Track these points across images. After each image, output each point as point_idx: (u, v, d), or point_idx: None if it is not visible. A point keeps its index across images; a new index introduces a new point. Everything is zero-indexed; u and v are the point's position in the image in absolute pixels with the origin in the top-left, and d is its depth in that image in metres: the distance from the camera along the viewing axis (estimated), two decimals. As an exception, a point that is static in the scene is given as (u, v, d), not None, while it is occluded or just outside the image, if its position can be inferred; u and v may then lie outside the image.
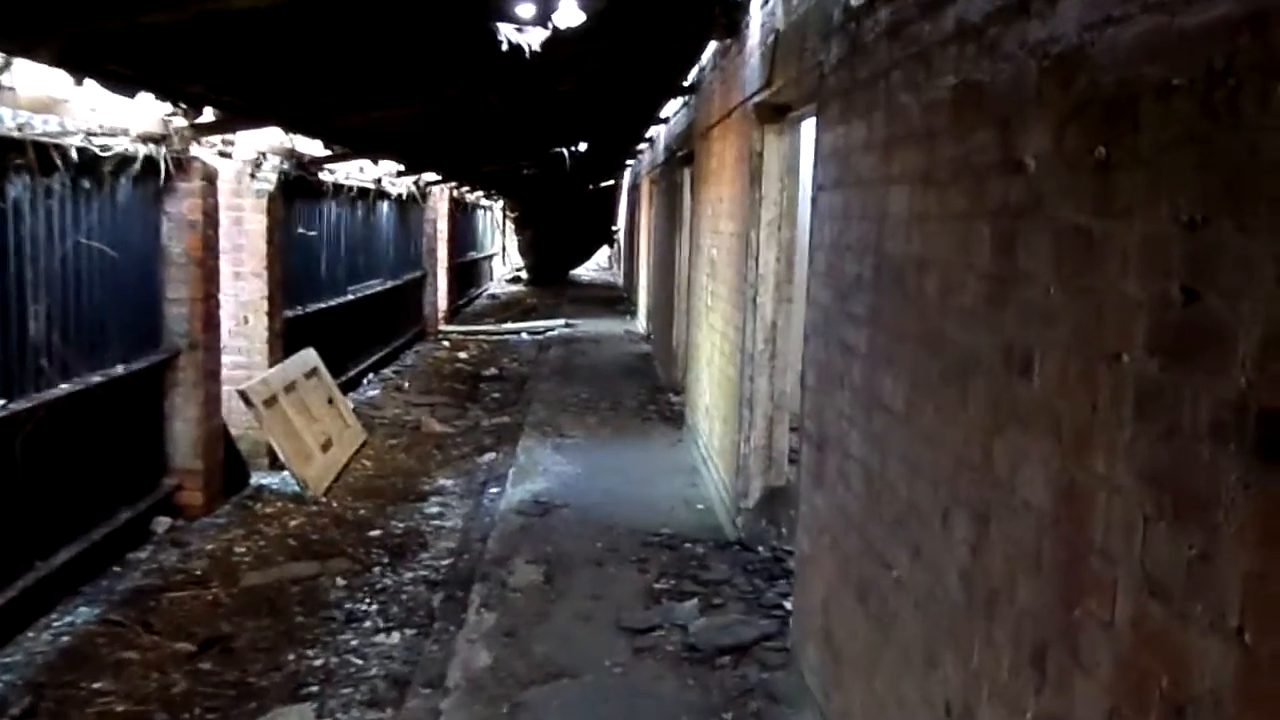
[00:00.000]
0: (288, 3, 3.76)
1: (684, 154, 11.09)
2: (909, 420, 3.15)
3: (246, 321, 8.52)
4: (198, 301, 7.08)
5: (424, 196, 16.68)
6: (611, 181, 27.00)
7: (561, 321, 19.31)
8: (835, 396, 4.02)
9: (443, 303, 18.88)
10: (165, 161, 6.63)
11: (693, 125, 10.06)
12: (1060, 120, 2.19)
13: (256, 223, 8.45)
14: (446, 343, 17.15)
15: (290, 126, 8.08)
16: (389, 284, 14.42)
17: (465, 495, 8.03)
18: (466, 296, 23.27)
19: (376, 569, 6.35)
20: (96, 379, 6.06)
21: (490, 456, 9.13)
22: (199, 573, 6.16)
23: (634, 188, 23.28)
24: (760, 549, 6.35)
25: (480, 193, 23.89)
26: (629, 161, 22.73)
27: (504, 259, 33.12)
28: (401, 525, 7.26)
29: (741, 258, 6.69)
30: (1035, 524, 2.25)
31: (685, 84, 10.25)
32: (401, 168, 13.64)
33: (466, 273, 23.27)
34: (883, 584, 3.34)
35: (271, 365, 8.61)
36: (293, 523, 7.21)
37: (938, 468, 2.88)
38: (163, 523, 6.85)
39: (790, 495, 6.55)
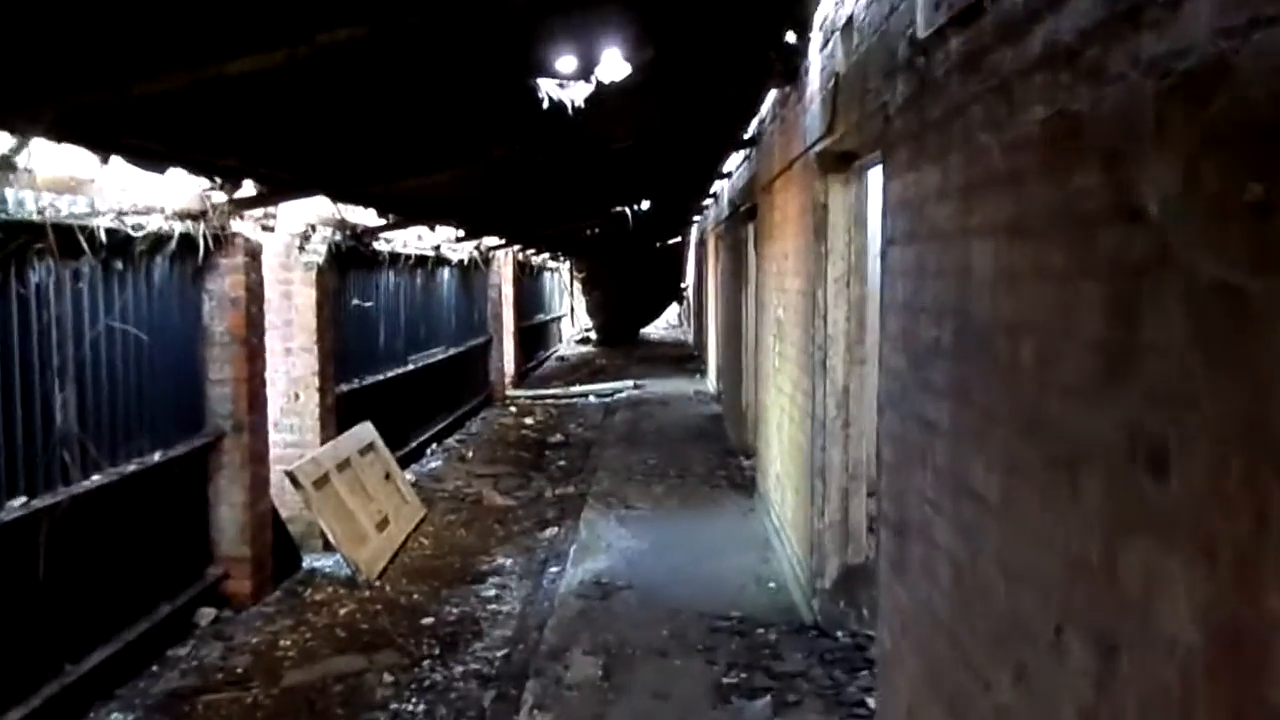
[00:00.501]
0: (295, 68, 3.45)
1: (746, 209, 10.70)
2: (1005, 512, 2.66)
3: (297, 398, 8.27)
4: (242, 382, 6.81)
5: (487, 261, 16.51)
6: (679, 238, 26.73)
7: (630, 383, 18.94)
8: (915, 477, 3.53)
9: (509, 367, 18.64)
10: (204, 238, 6.41)
11: (754, 179, 9.67)
12: (1193, 152, 1.73)
13: (306, 296, 8.22)
14: (513, 408, 16.86)
15: (333, 195, 7.86)
16: (452, 351, 14.19)
17: (524, 575, 7.61)
18: (534, 360, 23.05)
19: (426, 662, 5.94)
20: (131, 468, 5.79)
21: (552, 531, 8.71)
22: (240, 670, 5.81)
23: (701, 243, 22.96)
24: (839, 634, 5.81)
25: (545, 255, 23.77)
26: (695, 218, 22.44)
27: (572, 320, 32.99)
28: (456, 611, 6.86)
29: (809, 317, 6.24)
30: (1181, 665, 1.76)
31: (745, 137, 9.88)
32: (460, 233, 13.45)
33: (533, 336, 23.08)
34: (980, 706, 2.83)
35: (324, 442, 8.33)
36: (342, 610, 6.84)
37: (1044, 573, 2.38)
38: (207, 614, 6.54)
39: (870, 574, 6.02)
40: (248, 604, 6.83)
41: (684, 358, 24.54)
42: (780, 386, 7.62)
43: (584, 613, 6.40)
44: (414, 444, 11.91)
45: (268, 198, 6.80)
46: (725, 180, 13.95)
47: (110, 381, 5.67)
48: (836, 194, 5.86)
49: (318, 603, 6.99)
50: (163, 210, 6.02)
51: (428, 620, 6.67)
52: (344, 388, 9.45)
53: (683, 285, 31.61)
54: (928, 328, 3.38)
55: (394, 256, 11.17)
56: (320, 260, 8.33)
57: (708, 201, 18.06)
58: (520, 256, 19.95)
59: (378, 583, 7.42)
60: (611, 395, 18.04)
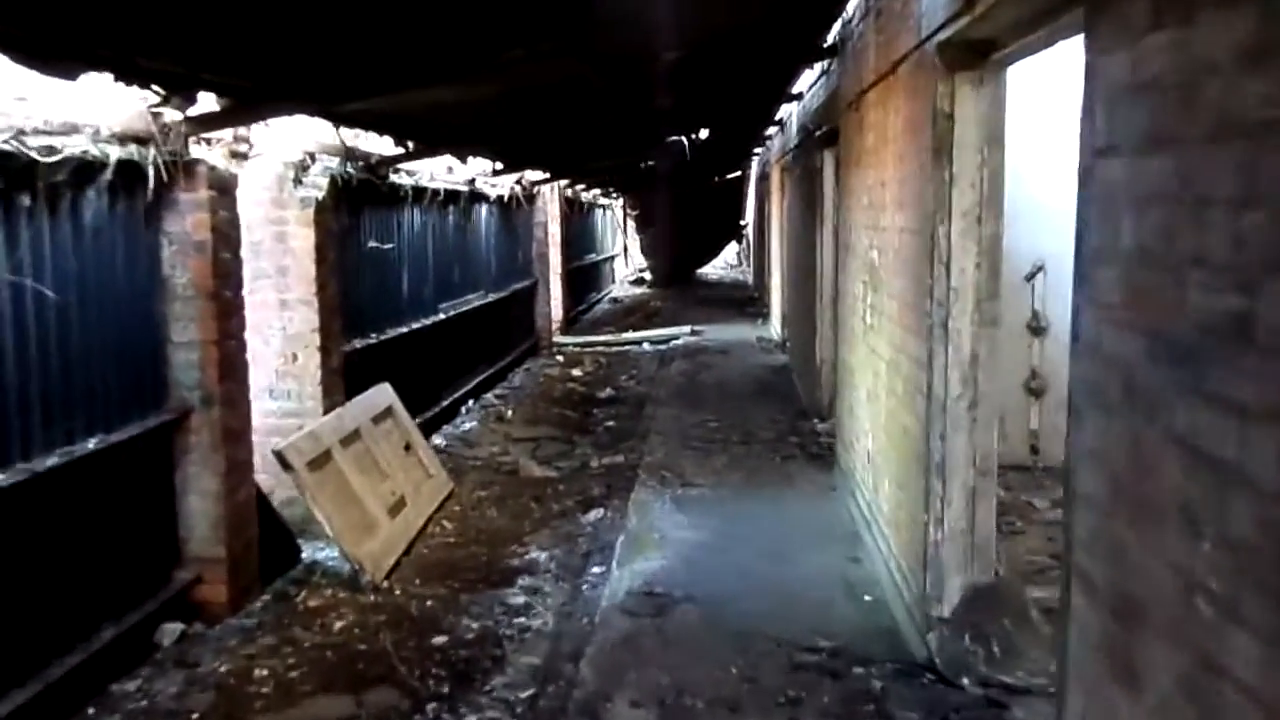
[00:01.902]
0: None
1: (823, 133, 9.18)
2: None
3: (295, 359, 7.00)
4: (211, 344, 5.52)
5: (530, 198, 15.12)
6: (738, 172, 25.08)
7: (686, 328, 17.53)
8: (1171, 542, 2.12)
9: (557, 312, 17.32)
10: (156, 167, 5.09)
11: (835, 96, 8.14)
12: None
13: (303, 239, 6.92)
14: (560, 357, 15.57)
15: (316, 111, 6.47)
16: (491, 297, 12.87)
17: (562, 574, 6.32)
18: (585, 303, 21.70)
19: (431, 706, 4.67)
20: (51, 462, 4.54)
21: (596, 514, 7.39)
22: (195, 717, 4.59)
23: (763, 178, 21.35)
24: (964, 681, 4.43)
25: (596, 190, 22.30)
26: (756, 150, 20.82)
27: (626, 260, 31.54)
28: (476, 625, 5.58)
29: (921, 263, 4.79)
30: None
31: (824, 44, 8.33)
32: (497, 165, 12.06)
33: (584, 278, 21.71)
34: None
35: (328, 410, 7.08)
36: (339, 623, 5.60)
37: None
38: (171, 631, 5.32)
39: (1003, 598, 4.64)
40: (224, 615, 5.61)
41: (744, 300, 23.04)
42: (873, 347, 6.19)
43: (631, 638, 5.08)
44: (446, 403, 10.65)
45: (232, 115, 5.45)
46: (794, 104, 12.39)
47: (20, 356, 4.40)
48: (966, 99, 4.37)
49: (311, 611, 5.76)
50: (94, 131, 4.70)
51: (439, 639, 5.40)
52: (356, 344, 8.17)
53: (742, 223, 29.95)
54: (1211, 295, 1.95)
55: (418, 191, 9.82)
56: (321, 195, 7.01)
57: (772, 130, 16.47)
58: (568, 193, 18.52)
59: (385, 583, 6.18)
60: (667, 343, 16.67)
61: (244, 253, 6.71)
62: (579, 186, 19.48)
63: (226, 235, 5.65)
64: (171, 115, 5.13)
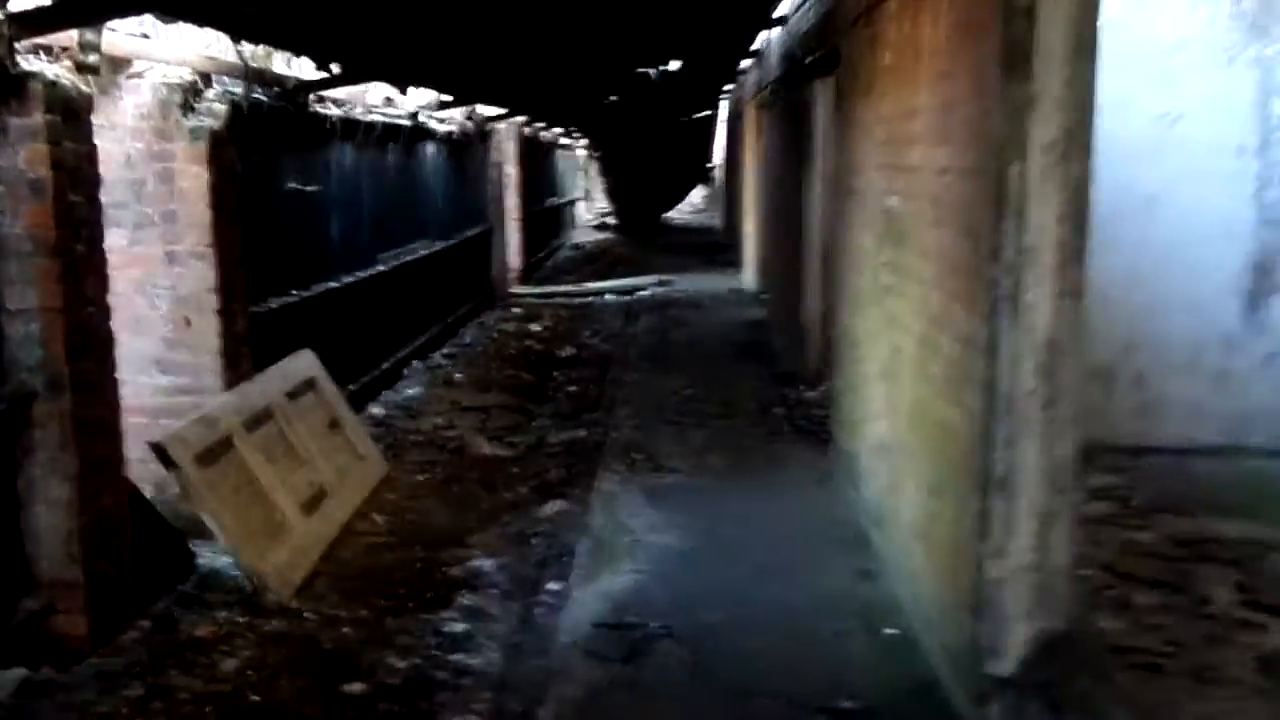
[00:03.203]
0: None
1: (816, 59, 7.97)
2: None
3: (188, 325, 5.78)
4: (55, 312, 4.29)
5: (484, 135, 13.81)
6: (708, 112, 23.74)
7: (653, 278, 16.36)
8: None
9: (514, 260, 16.11)
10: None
11: (835, 13, 6.94)
12: None
13: (194, 178, 5.67)
14: (518, 309, 14.37)
15: (202, 13, 5.16)
16: (439, 246, 11.61)
17: (511, 590, 5.20)
18: (545, 249, 20.42)
19: (334, 794, 3.56)
20: None
21: (555, 507, 6.28)
22: (14, 818, 3.45)
23: (735, 116, 20.10)
24: (1037, 769, 3.38)
25: (558, 130, 20.94)
26: (727, 87, 19.51)
27: (589, 204, 30.18)
28: (402, 664, 4.46)
29: (976, 212, 3.65)
30: None
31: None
32: (444, 97, 10.74)
33: (544, 222, 20.40)
34: None
35: (231, 385, 5.87)
36: (230, 662, 4.45)
37: None
38: (7, 681, 4.15)
39: (1081, 650, 3.58)
40: (84, 652, 4.45)
41: (714, 247, 21.84)
42: (892, 315, 5.06)
43: (598, 696, 3.96)
44: (386, 365, 9.45)
45: (72, 11, 4.17)
46: (774, 31, 11.15)
47: None
48: (1054, -9, 3.22)
49: (197, 644, 4.60)
50: None
51: (355, 686, 4.27)
52: (272, 304, 6.94)
53: (710, 165, 28.65)
54: None
55: (350, 125, 8.51)
56: (217, 125, 5.74)
57: (746, 64, 15.20)
58: (527, 131, 17.18)
59: (294, 602, 5.03)
60: (633, 293, 15.52)
61: (124, 195, 5.53)
62: (538, 125, 18.13)
63: (76, 172, 4.40)
64: (-14, 11, 3.86)
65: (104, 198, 5.30)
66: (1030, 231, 3.32)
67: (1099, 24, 3.28)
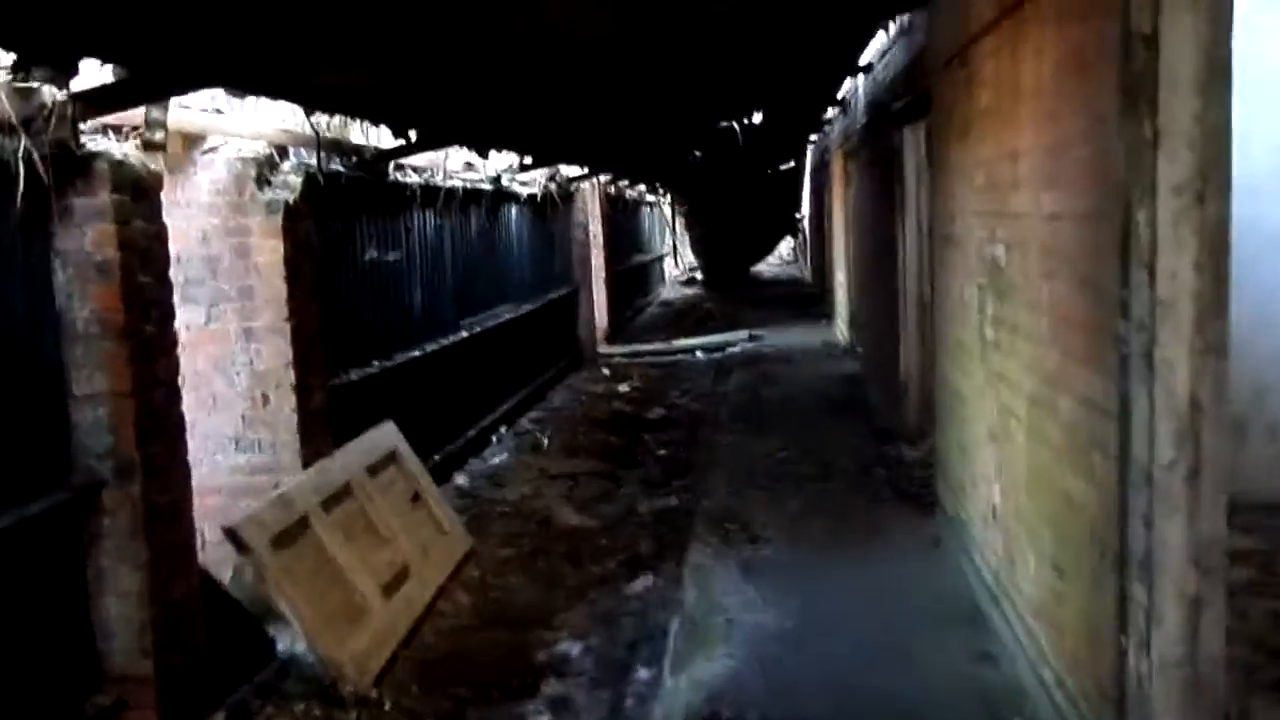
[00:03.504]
0: None
1: (903, 106, 7.67)
2: None
3: (265, 402, 5.66)
4: (126, 397, 4.17)
5: (567, 196, 13.73)
6: (792, 163, 23.48)
7: (743, 333, 16.04)
8: None
9: (601, 319, 15.94)
10: (30, 162, 3.74)
11: (922, 56, 6.64)
12: None
13: (270, 252, 5.59)
14: (606, 370, 14.16)
15: (271, 86, 5.06)
16: (525, 309, 11.49)
17: (599, 677, 4.89)
18: (633, 307, 20.27)
19: None
20: None
21: (644, 582, 5.97)
22: None
23: (820, 166, 19.79)
24: None
25: (641, 186, 20.86)
26: (812, 137, 19.25)
27: (676, 259, 30.06)
28: (483, 764, 4.18)
29: (1096, 262, 3.30)
30: None
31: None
32: (525, 160, 10.66)
33: (631, 280, 20.28)
34: None
35: (309, 462, 5.72)
36: (305, 760, 4.23)
37: None
38: (73, 788, 3.99)
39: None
40: (156, 752, 4.27)
41: (804, 299, 21.46)
42: (1000, 372, 4.67)
43: (692, 801, 3.63)
44: (472, 433, 9.28)
45: (134, 89, 4.07)
46: (858, 80, 10.88)
47: None
48: (1179, 12, 2.88)
49: (270, 742, 4.40)
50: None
51: (434, 790, 4.00)
52: (352, 376, 6.82)
53: (799, 215, 28.32)
54: None
55: (430, 191, 8.44)
56: (292, 197, 5.66)
57: (831, 114, 14.93)
58: (610, 189, 17.11)
59: (374, 693, 4.79)
60: (723, 349, 15.22)
61: (200, 271, 5.45)
62: (622, 182, 18.05)
63: (146, 252, 4.29)
64: (49, 92, 3.78)
65: (179, 275, 5.25)
66: (1163, 282, 2.95)
67: (1231, 49, 2.93)
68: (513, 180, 10.83)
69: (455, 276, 9.22)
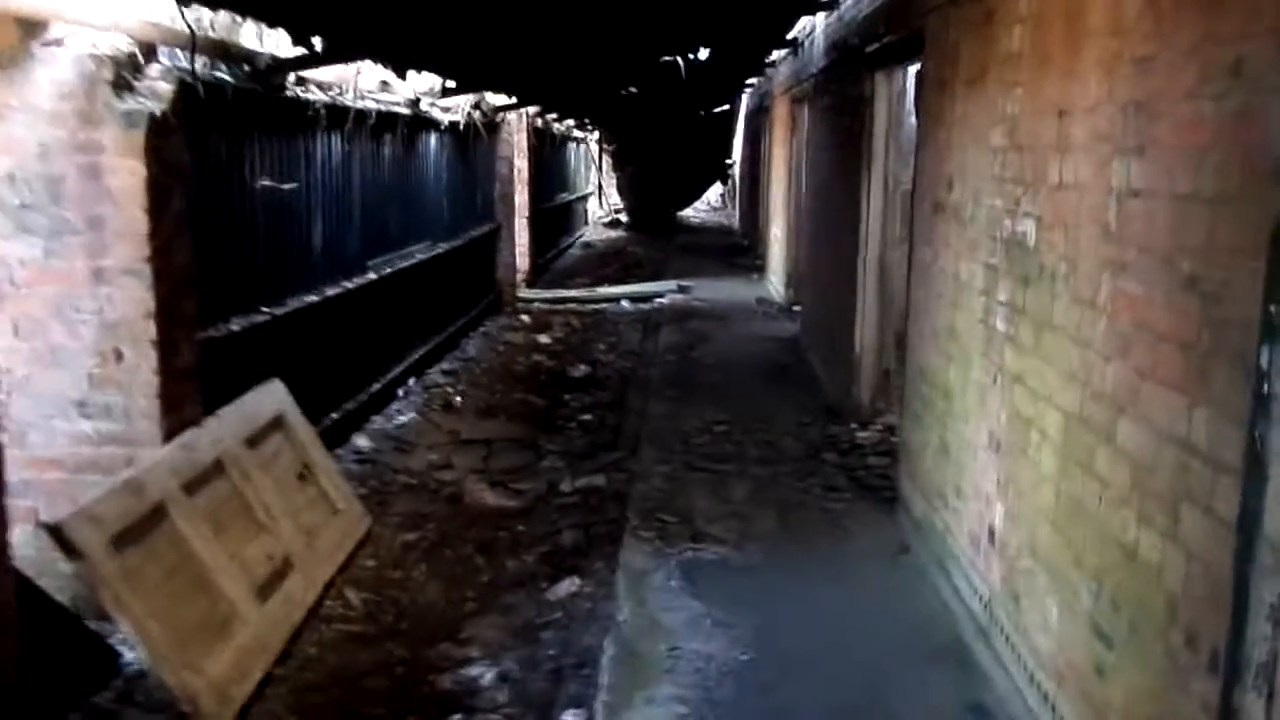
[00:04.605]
0: None
1: (882, 48, 6.81)
2: None
3: (119, 358, 4.62)
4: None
5: (492, 127, 12.64)
6: (727, 106, 22.53)
7: (672, 284, 15.18)
8: None
9: (522, 262, 14.92)
10: None
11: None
12: None
13: (128, 175, 4.51)
14: (525, 317, 13.20)
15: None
16: (441, 248, 10.46)
17: (515, 715, 4.05)
18: (555, 248, 19.25)
19: None
20: None
21: (569, 586, 5.11)
22: None
23: (758, 111, 18.91)
24: None
25: (569, 121, 19.74)
26: (751, 80, 18.29)
27: (600, 199, 28.97)
28: (368, 840, 3.32)
29: (1204, 260, 2.50)
30: None
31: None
32: (448, 83, 9.56)
33: (554, 220, 19.22)
34: None
35: (173, 432, 4.72)
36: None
37: None
38: None
39: None
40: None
41: (734, 249, 20.68)
42: (1018, 374, 3.88)
43: None
44: (377, 387, 8.30)
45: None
46: (818, 17, 9.97)
47: None
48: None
49: (99, 797, 3.47)
50: None
51: None
52: (234, 326, 5.80)
53: (729, 161, 27.43)
54: None
55: (338, 112, 7.35)
56: (160, 109, 4.58)
57: (776, 55, 14.01)
58: (538, 123, 16.00)
59: (236, 730, 3.89)
60: (650, 300, 14.34)
61: (38, 195, 4.40)
62: (550, 116, 16.93)
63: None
64: None
65: (11, 197, 4.21)
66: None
67: None
68: (433, 105, 9.73)
69: (364, 211, 8.16)
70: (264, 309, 6.25)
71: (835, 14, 8.98)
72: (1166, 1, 2.74)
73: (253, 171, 6.12)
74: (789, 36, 11.86)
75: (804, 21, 10.90)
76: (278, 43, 6.13)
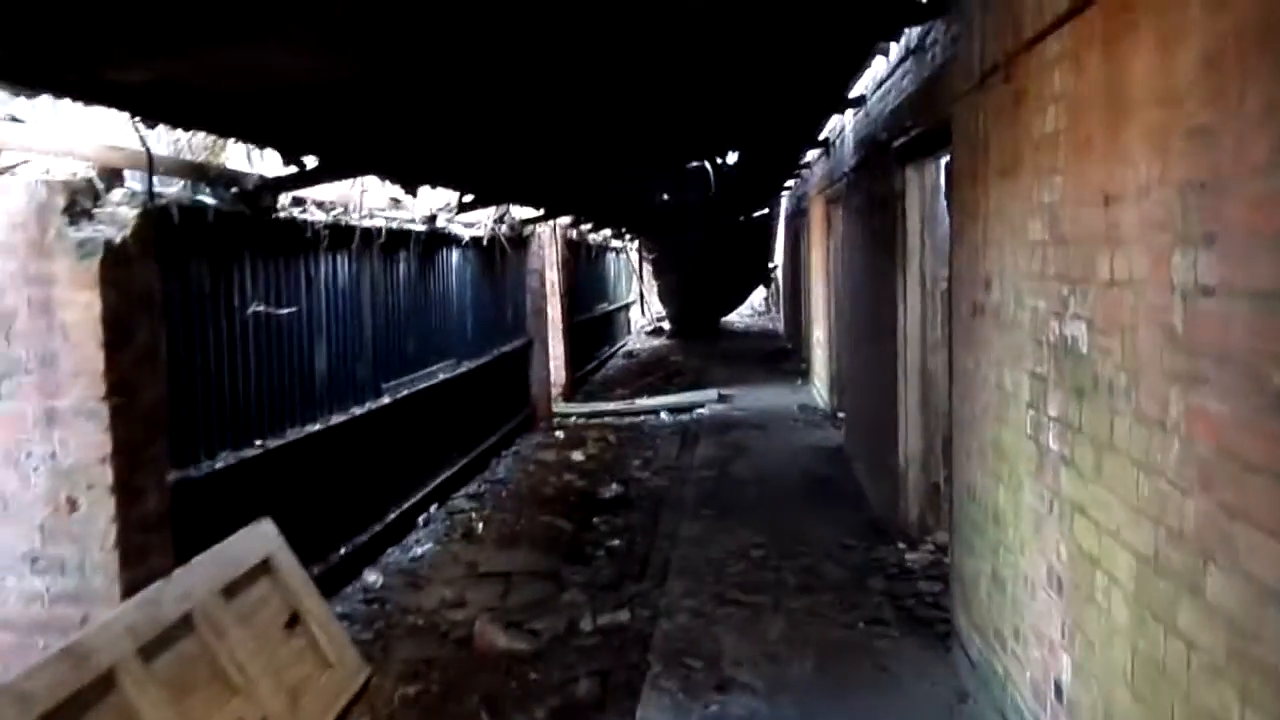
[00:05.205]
0: None
1: (910, 141, 6.40)
2: None
3: (73, 508, 4.20)
4: None
5: (520, 240, 12.38)
6: (766, 210, 22.30)
7: (713, 394, 14.67)
8: None
9: (558, 375, 14.55)
10: None
11: (944, 77, 5.34)
12: None
13: (82, 308, 4.16)
14: (560, 433, 12.73)
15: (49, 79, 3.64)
16: (465, 367, 10.09)
17: None
18: (595, 359, 18.88)
19: None
20: None
21: (580, 749, 4.54)
22: None
23: (797, 213, 18.61)
24: None
25: (606, 231, 19.57)
26: (789, 183, 18.06)
27: (643, 307, 28.74)
28: None
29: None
30: None
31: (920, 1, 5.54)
32: (465, 198, 9.30)
33: (593, 331, 18.89)
34: None
35: (134, 587, 4.26)
36: None
37: None
38: None
39: None
40: None
41: (778, 354, 20.17)
42: (1077, 502, 3.32)
43: None
44: (393, 516, 7.84)
45: None
46: (846, 116, 9.64)
47: None
48: None
49: None
50: None
51: None
52: (218, 463, 5.39)
53: (771, 265, 27.11)
54: None
55: (340, 231, 7.04)
56: (120, 235, 4.25)
57: (810, 156, 13.72)
58: (571, 233, 15.79)
59: None
60: (690, 411, 13.83)
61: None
62: (584, 226, 16.74)
63: None
64: None
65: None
66: None
67: None
68: (451, 220, 9.46)
69: (376, 332, 7.81)
70: (257, 442, 5.84)
71: (863, 110, 8.63)
72: (1230, 58, 2.26)
73: (244, 297, 5.78)
74: (820, 137, 11.55)
75: (834, 121, 10.59)
76: (271, 163, 5.86)
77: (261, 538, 5.27)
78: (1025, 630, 3.93)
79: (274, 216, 5.94)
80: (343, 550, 6.89)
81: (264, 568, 5.17)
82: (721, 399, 14.41)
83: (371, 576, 7.04)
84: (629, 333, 25.35)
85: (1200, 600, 2.44)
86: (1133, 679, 2.87)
